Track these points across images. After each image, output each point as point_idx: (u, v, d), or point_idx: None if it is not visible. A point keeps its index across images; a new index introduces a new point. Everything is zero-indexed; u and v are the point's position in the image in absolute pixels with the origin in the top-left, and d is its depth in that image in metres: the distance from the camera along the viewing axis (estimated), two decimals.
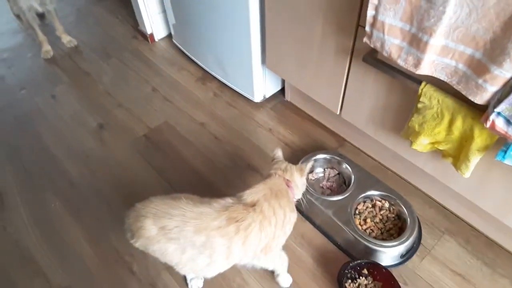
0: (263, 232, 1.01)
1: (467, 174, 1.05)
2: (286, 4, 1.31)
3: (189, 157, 1.62)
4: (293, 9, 1.30)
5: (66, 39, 2.22)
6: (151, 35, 2.19)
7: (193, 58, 2.03)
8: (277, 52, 1.51)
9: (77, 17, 2.48)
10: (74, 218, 1.44)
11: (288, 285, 1.24)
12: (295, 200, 1.14)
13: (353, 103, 1.35)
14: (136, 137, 1.72)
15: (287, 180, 1.11)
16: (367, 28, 1.00)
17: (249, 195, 1.03)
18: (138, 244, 0.97)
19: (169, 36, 2.22)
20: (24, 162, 1.64)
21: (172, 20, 2.01)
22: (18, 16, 2.35)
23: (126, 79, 2.02)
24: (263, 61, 1.63)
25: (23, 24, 2.33)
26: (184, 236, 0.94)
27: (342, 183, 1.46)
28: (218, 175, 1.55)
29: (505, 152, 0.93)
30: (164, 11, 2.11)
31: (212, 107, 1.84)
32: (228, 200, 1.02)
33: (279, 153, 1.19)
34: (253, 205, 1.01)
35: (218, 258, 0.98)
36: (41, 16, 2.25)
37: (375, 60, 1.11)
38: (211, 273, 1.05)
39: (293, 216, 1.11)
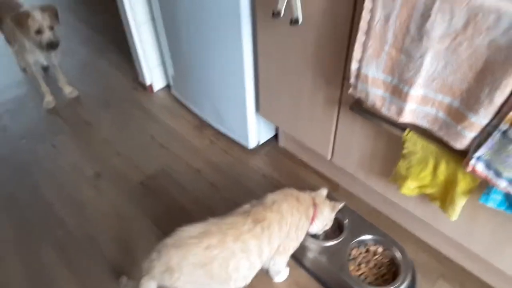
0: (281, 230, 1.11)
1: (454, 216, 1.08)
2: (277, 59, 1.40)
3: (185, 205, 1.64)
4: (283, 63, 1.39)
5: (68, 90, 2.31)
6: (150, 86, 2.29)
7: (190, 107, 2.12)
8: (270, 101, 1.58)
9: (81, 69, 2.59)
10: (69, 270, 1.42)
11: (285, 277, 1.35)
12: (314, 228, 1.25)
13: (344, 149, 1.40)
14: (132, 185, 1.74)
15: (315, 202, 1.22)
16: (352, 81, 1.08)
17: (270, 195, 1.16)
18: (182, 278, 0.98)
19: (168, 86, 2.32)
20: (21, 211, 1.65)
21: (171, 72, 2.11)
22: (24, 69, 2.46)
23: (125, 128, 2.08)
24: (257, 109, 1.70)
25: (28, 76, 2.44)
26: (226, 248, 1.01)
27: (336, 228, 1.47)
28: None
29: (488, 195, 0.97)
30: (163, 63, 2.22)
31: (208, 154, 1.89)
32: (247, 206, 1.14)
33: (323, 191, 1.32)
34: (272, 205, 1.11)
35: (255, 259, 1.07)
36: (45, 68, 2.36)
37: (361, 109, 1.17)
38: (251, 275, 1.11)
39: (307, 225, 1.21)
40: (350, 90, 1.11)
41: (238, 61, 1.53)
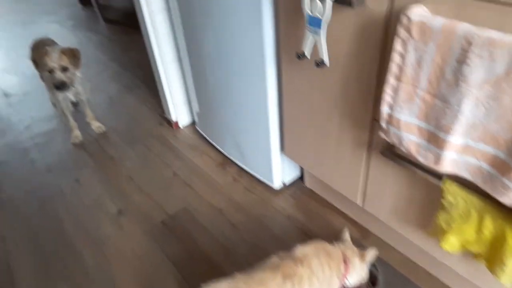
0: (312, 287, 1.03)
1: (504, 279, 0.95)
2: (303, 99, 1.35)
3: (206, 247, 1.57)
4: (309, 103, 1.33)
5: (95, 125, 2.34)
6: (176, 122, 2.29)
7: (214, 144, 2.08)
8: (295, 141, 1.52)
9: (109, 104, 2.65)
10: None
11: None
12: (348, 284, 1.16)
13: (375, 195, 1.31)
14: (153, 224, 1.70)
15: (345, 256, 1.14)
16: (383, 125, 1.00)
17: (301, 248, 1.09)
18: None
19: (193, 123, 2.31)
20: (42, 245, 1.64)
21: (196, 109, 2.10)
22: (54, 105, 2.53)
23: (148, 164, 2.07)
24: (282, 148, 1.64)
25: (58, 112, 2.50)
26: None
27: (368, 282, 1.35)
28: (236, 267, 1.47)
29: None
30: (188, 101, 2.23)
31: (231, 192, 1.83)
32: (275, 258, 1.08)
33: (347, 235, 1.25)
34: (302, 259, 1.04)
35: None
36: (75, 104, 2.42)
37: (394, 154, 1.09)
38: None
39: (338, 282, 1.12)
40: (382, 135, 1.03)
41: (262, 100, 1.49)
